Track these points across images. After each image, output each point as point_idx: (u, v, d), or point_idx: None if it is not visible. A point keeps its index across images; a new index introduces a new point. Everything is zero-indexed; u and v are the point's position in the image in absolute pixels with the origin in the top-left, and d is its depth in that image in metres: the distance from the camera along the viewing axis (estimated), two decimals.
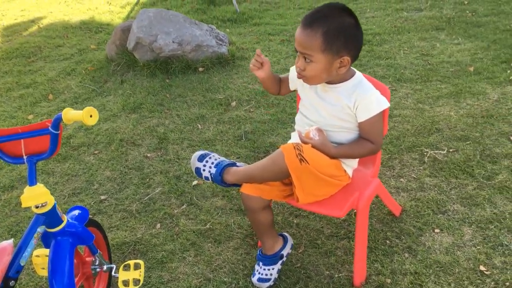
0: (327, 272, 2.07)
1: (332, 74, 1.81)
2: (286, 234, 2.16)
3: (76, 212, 1.96)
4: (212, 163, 1.92)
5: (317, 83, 1.85)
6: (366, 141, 1.89)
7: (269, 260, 2.04)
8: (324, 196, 1.89)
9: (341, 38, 1.73)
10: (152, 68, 3.83)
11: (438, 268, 2.01)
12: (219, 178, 1.89)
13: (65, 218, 1.81)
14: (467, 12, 4.63)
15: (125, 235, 2.36)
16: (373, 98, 1.83)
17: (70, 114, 1.59)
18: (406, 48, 3.96)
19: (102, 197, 2.65)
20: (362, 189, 1.96)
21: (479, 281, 1.93)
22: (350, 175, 1.98)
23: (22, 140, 1.73)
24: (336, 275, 2.05)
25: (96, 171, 2.86)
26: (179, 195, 2.59)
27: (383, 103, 1.85)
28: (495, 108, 2.95)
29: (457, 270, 1.99)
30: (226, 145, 2.96)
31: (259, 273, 2.05)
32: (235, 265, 2.15)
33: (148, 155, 2.96)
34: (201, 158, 1.93)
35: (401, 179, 2.53)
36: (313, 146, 1.82)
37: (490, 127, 2.79)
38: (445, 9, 4.77)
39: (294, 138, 2.03)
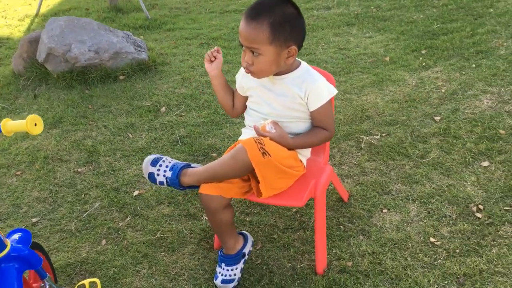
0: (289, 264, 2.06)
1: (280, 65, 1.81)
2: (245, 232, 2.12)
3: (17, 235, 1.77)
4: (167, 166, 1.83)
5: (265, 76, 1.84)
6: (320, 129, 1.91)
7: (232, 259, 1.99)
8: (283, 188, 1.88)
9: (287, 27, 1.73)
10: (68, 80, 3.60)
11: (392, 245, 2.08)
12: (176, 181, 1.80)
13: (8, 242, 1.63)
14: (372, 8, 4.91)
15: (68, 256, 2.17)
16: (323, 86, 1.85)
17: (10, 125, 1.43)
18: (323, 44, 4.10)
19: (34, 220, 2.42)
20: (317, 177, 1.97)
21: (431, 252, 2.03)
22: (305, 165, 2.00)
23: None
24: (298, 266, 2.05)
25: (22, 193, 2.62)
26: (121, 208, 2.45)
27: (332, 90, 1.88)
28: (415, 93, 3.14)
29: (410, 244, 2.07)
30: (162, 151, 2.85)
31: (222, 274, 1.98)
32: (194, 271, 2.06)
33: (79, 170, 2.77)
34: (154, 163, 1.83)
35: (343, 167, 2.60)
36: (271, 139, 1.80)
37: (414, 110, 2.96)
38: (351, 6, 5.01)
39: (247, 134, 2.00)
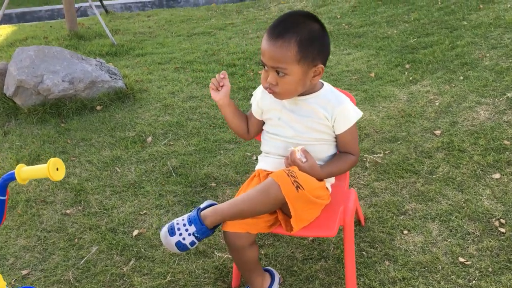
0: None
1: (306, 85, 1.70)
2: (270, 268, 1.96)
3: None
4: (184, 224, 1.63)
5: (290, 97, 1.72)
6: (347, 154, 1.80)
7: None
8: (312, 219, 1.75)
9: (315, 45, 1.62)
10: (41, 113, 3.34)
11: (422, 269, 1.98)
12: (204, 228, 1.63)
13: None
14: (344, 24, 4.92)
15: None
16: (350, 108, 1.75)
17: (27, 171, 1.24)
18: None
19: (24, 272, 2.16)
20: (345, 203, 1.86)
21: (463, 272, 1.94)
22: (330, 192, 1.88)
23: None
24: None
25: (6, 242, 2.35)
26: (122, 250, 2.23)
27: (358, 112, 1.78)
28: (409, 108, 3.11)
29: (440, 266, 1.98)
30: (156, 184, 2.66)
31: None
32: None
33: (67, 211, 2.52)
34: (171, 232, 1.62)
35: (352, 188, 2.50)
36: (300, 169, 1.68)
37: (412, 125, 2.92)
38: None
39: (266, 162, 1.87)
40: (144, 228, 2.37)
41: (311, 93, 1.75)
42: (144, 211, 2.48)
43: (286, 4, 6.07)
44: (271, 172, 1.83)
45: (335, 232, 1.74)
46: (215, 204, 1.72)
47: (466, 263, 1.99)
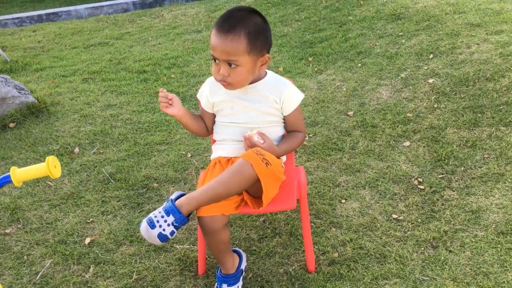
0: (281, 270, 2.09)
1: (255, 73, 1.86)
2: (237, 249, 2.09)
3: None
4: (162, 216, 1.69)
5: (242, 86, 1.87)
6: (297, 132, 2.00)
7: (234, 278, 1.95)
8: (275, 194, 1.92)
9: (261, 36, 1.80)
10: None
11: (364, 229, 2.25)
12: (182, 217, 1.70)
13: None
14: None
15: None
16: (294, 90, 1.95)
17: (23, 173, 1.24)
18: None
19: None
20: (298, 178, 2.05)
21: (399, 226, 2.25)
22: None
23: None
24: (290, 269, 2.09)
25: None
26: (78, 259, 2.20)
27: (301, 93, 1.99)
28: (321, 94, 3.41)
29: (378, 224, 2.27)
30: (96, 192, 2.63)
31: None
32: None
33: (6, 231, 2.40)
34: (152, 225, 1.67)
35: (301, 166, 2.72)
36: None
37: (327, 109, 3.22)
38: None
39: (222, 150, 1.99)
40: (95, 235, 2.35)
41: (258, 80, 1.92)
42: (91, 219, 2.46)
43: (179, 11, 6.18)
44: (231, 158, 1.97)
45: (295, 204, 1.93)
46: (185, 194, 1.81)
47: (399, 218, 2.30)
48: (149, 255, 2.22)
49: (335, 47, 4.04)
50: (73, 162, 2.92)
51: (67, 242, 2.32)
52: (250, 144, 1.84)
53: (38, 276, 2.13)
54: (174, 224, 1.70)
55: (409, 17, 4.12)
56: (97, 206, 2.55)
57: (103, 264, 2.18)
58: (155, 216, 1.70)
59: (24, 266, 2.20)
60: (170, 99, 1.90)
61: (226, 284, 1.94)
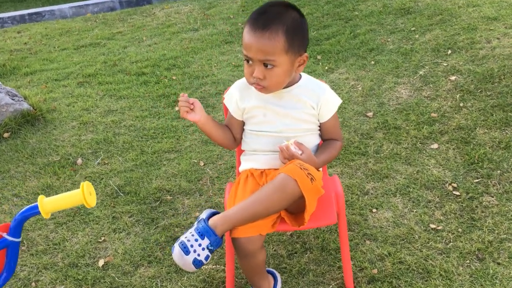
0: None
1: (291, 75, 1.68)
2: (270, 269, 1.91)
3: None
4: (196, 239, 1.49)
5: (278, 90, 1.68)
6: (334, 141, 1.82)
7: None
8: (314, 209, 1.74)
9: (300, 33, 1.61)
10: None
11: (401, 241, 2.09)
12: (218, 239, 1.51)
13: None
14: (239, 24, 4.96)
15: None
16: (332, 94, 1.77)
17: (52, 202, 1.05)
18: (215, 64, 3.98)
19: None
20: (335, 189, 1.88)
21: (439, 237, 2.09)
22: None
23: None
24: None
25: None
26: (93, 284, 2.00)
27: (338, 98, 1.81)
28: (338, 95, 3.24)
29: (416, 236, 2.10)
30: (105, 207, 2.43)
31: None
32: None
33: None
34: (185, 250, 1.47)
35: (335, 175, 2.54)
36: None
37: (345, 110, 3.05)
38: (218, 26, 4.99)
39: (254, 162, 1.80)
40: (109, 256, 2.15)
41: (292, 84, 1.74)
42: (103, 238, 2.25)
43: (172, 9, 5.95)
44: (264, 170, 1.78)
45: (336, 219, 1.76)
46: (216, 212, 1.63)
47: (437, 228, 2.14)
48: (171, 277, 2.03)
49: (344, 44, 3.87)
50: (76, 174, 2.71)
51: (79, 265, 2.11)
52: (287, 155, 1.66)
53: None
54: (209, 247, 1.51)
55: (419, 11, 3.97)
56: (107, 223, 2.34)
57: None
58: (188, 240, 1.50)
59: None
60: (192, 104, 1.71)
61: None
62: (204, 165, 2.71)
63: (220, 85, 3.55)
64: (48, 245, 2.23)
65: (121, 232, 2.29)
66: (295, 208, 1.66)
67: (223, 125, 1.84)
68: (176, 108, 3.29)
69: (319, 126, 1.80)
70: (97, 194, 2.56)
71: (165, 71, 3.90)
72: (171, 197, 2.49)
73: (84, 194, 1.03)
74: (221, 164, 2.71)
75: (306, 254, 2.10)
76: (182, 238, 1.52)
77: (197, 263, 1.49)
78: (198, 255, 1.49)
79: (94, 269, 2.09)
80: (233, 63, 3.95)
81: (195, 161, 2.75)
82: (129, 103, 3.42)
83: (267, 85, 1.63)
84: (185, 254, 1.48)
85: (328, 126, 1.79)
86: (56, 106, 3.44)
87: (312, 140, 1.79)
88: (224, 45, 4.41)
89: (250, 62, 1.61)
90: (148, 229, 2.29)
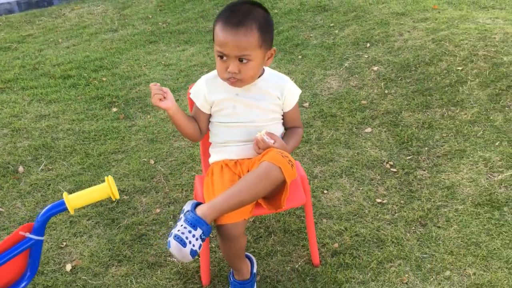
0: (288, 268, 2.06)
1: (261, 69, 1.80)
2: (247, 253, 2.00)
3: None
4: (190, 231, 1.54)
5: (251, 82, 1.79)
6: (297, 128, 1.97)
7: (250, 283, 1.88)
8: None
9: (270, 29, 1.74)
10: None
11: (354, 216, 2.30)
12: (209, 228, 1.59)
13: None
14: (160, 23, 4.93)
15: None
16: (293, 85, 1.91)
17: (79, 197, 1.07)
18: (144, 64, 3.96)
19: None
20: (299, 174, 2.02)
21: (385, 209, 2.33)
22: None
23: None
24: (296, 266, 2.07)
25: None
26: None
27: (298, 88, 1.95)
28: None
29: (366, 210, 2.33)
30: (59, 213, 2.36)
31: None
32: None
33: None
34: (182, 243, 1.52)
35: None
36: None
37: None
38: (138, 26, 4.93)
39: (227, 153, 1.88)
40: (76, 259, 2.11)
41: (258, 77, 1.86)
42: (64, 243, 2.21)
43: (83, 9, 5.74)
44: (238, 160, 1.88)
45: (305, 199, 1.91)
46: (198, 203, 1.70)
47: (383, 202, 2.38)
48: (144, 272, 2.05)
49: None
50: (20, 182, 2.59)
51: (45, 272, 2.05)
52: (262, 146, 1.77)
53: None
54: (202, 237, 1.58)
55: (335, 8, 4.27)
56: (65, 228, 2.29)
57: None
58: (182, 233, 1.56)
59: None
60: (165, 92, 1.76)
61: None
62: (154, 163, 2.73)
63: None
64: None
65: (82, 236, 2.25)
66: (269, 193, 1.78)
67: (191, 117, 1.91)
68: (114, 109, 3.25)
69: (282, 116, 1.95)
70: (47, 201, 2.48)
71: (92, 73, 3.81)
72: (127, 197, 2.49)
73: (111, 187, 1.07)
74: (171, 160, 2.75)
75: (271, 237, 2.24)
76: (175, 231, 1.57)
77: (193, 253, 1.56)
78: (193, 245, 1.56)
79: (62, 274, 2.04)
80: (162, 62, 3.96)
81: (145, 159, 2.76)
82: (62, 107, 3.31)
83: (242, 78, 1.73)
84: (183, 246, 1.54)
85: (291, 115, 1.94)
86: None
87: (278, 129, 1.92)
88: (149, 44, 4.39)
89: (224, 58, 1.70)
90: (110, 230, 2.28)
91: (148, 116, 3.18)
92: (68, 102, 3.38)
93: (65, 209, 1.07)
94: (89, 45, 4.50)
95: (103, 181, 2.58)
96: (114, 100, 3.38)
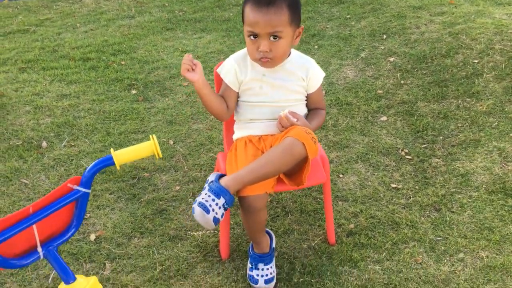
0: (305, 246, 2.12)
1: (290, 48, 1.86)
2: (266, 229, 2.07)
3: None
4: (213, 199, 1.62)
5: (281, 62, 1.85)
6: (320, 110, 2.03)
7: (269, 257, 1.94)
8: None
9: (298, 7, 1.81)
10: None
11: (370, 200, 2.36)
12: (232, 197, 1.66)
13: None
14: (177, 12, 4.99)
15: None
16: (318, 68, 1.98)
17: (124, 154, 1.13)
18: (162, 49, 4.02)
19: None
20: (320, 154, 2.08)
21: (400, 194, 2.38)
22: None
23: (34, 226, 1.12)
24: (313, 244, 2.13)
25: None
26: (90, 257, 2.03)
27: (322, 71, 2.01)
28: None
29: (382, 195, 2.38)
30: None
31: (261, 276, 1.91)
32: (223, 287, 1.92)
33: None
34: (206, 209, 1.59)
35: None
36: None
37: None
38: (155, 13, 4.99)
39: (252, 129, 1.94)
40: (99, 230, 2.18)
41: (284, 59, 1.92)
42: (88, 215, 2.28)
43: None
44: (261, 136, 1.94)
45: (325, 177, 1.97)
46: (222, 174, 1.76)
47: (398, 187, 2.43)
48: (165, 245, 2.12)
49: None
50: (44, 157, 2.66)
51: (70, 241, 2.12)
52: (286, 124, 1.83)
53: (50, 280, 1.94)
54: (225, 206, 1.65)
55: (351, 1, 4.32)
56: (89, 201, 2.36)
57: (119, 259, 2.04)
58: (206, 201, 1.63)
59: (28, 271, 1.98)
60: (195, 65, 1.81)
61: (262, 264, 1.92)
62: (174, 143, 2.79)
63: (172, 69, 3.62)
64: None
65: (105, 209, 2.32)
66: (291, 170, 1.85)
67: (219, 95, 1.97)
68: (133, 92, 3.32)
69: (306, 97, 2.00)
70: (70, 175, 2.55)
71: (111, 57, 3.87)
72: (148, 174, 2.55)
73: (155, 145, 1.13)
74: (190, 142, 2.81)
75: (288, 216, 2.30)
76: (199, 199, 1.64)
77: (215, 221, 1.63)
78: (216, 213, 1.63)
79: (87, 243, 2.11)
80: (180, 48, 4.02)
81: (164, 140, 2.82)
82: (82, 88, 3.37)
83: (273, 56, 1.79)
84: (206, 213, 1.61)
85: (315, 97, 2.00)
86: (3, 92, 3.29)
87: (302, 109, 1.98)
88: (166, 31, 4.45)
89: (255, 38, 1.76)
90: (132, 204, 2.35)
91: (167, 99, 3.24)
92: (88, 83, 3.44)
93: (112, 163, 1.13)
94: (107, 30, 4.57)
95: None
96: (133, 82, 3.45)
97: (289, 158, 1.72)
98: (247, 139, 1.94)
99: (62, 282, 1.19)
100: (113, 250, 2.09)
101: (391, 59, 3.36)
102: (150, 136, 1.15)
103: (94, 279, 1.22)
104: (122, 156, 1.13)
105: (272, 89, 1.90)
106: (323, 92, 2.07)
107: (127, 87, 3.39)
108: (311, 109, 2.03)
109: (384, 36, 3.63)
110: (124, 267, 2.01)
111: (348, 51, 3.59)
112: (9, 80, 3.52)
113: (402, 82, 3.15)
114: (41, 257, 1.17)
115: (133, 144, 2.77)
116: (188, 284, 1.94)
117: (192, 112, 3.07)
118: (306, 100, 2.00)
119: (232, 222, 2.24)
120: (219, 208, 1.64)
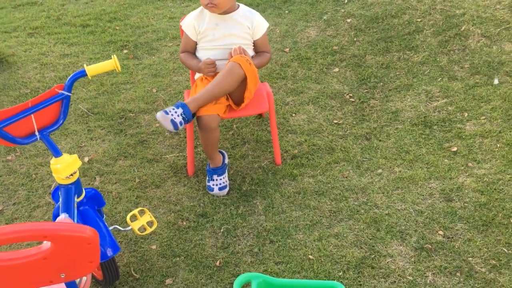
0: (255, 166, 2.65)
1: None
2: (220, 149, 2.59)
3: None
4: (173, 109, 2.17)
5: (225, 8, 2.33)
6: (265, 52, 2.52)
7: (221, 170, 2.47)
8: (252, 96, 2.43)
9: None
10: None
11: (314, 132, 2.86)
12: (190, 111, 2.18)
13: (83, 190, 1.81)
14: None
15: None
16: (261, 19, 2.47)
17: (94, 68, 1.64)
18: (152, 17, 4.51)
19: None
20: (266, 90, 2.58)
21: (340, 128, 2.88)
22: None
23: (32, 115, 1.64)
24: (262, 164, 2.65)
25: None
26: (84, 172, 2.58)
27: (266, 22, 2.50)
28: None
29: (324, 128, 2.88)
30: (79, 124, 2.97)
31: (216, 185, 2.45)
32: (189, 192, 2.46)
33: (8, 158, 2.68)
34: (165, 113, 2.16)
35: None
36: None
37: None
38: None
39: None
40: (92, 153, 2.73)
41: (233, 11, 2.41)
42: (83, 144, 2.82)
43: None
44: (215, 74, 2.45)
45: (267, 107, 2.48)
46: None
47: (339, 122, 2.93)
48: (144, 165, 2.66)
49: None
50: None
51: None
52: (239, 51, 2.32)
53: (52, 187, 2.49)
54: (183, 115, 2.17)
55: None
56: (84, 134, 2.90)
57: (107, 174, 2.59)
58: (168, 110, 2.17)
59: (35, 182, 2.53)
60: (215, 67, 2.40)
61: (216, 175, 2.45)
62: (156, 91, 3.31)
63: (160, 33, 4.12)
64: (38, 151, 2.76)
65: (97, 140, 2.86)
66: (237, 99, 2.36)
67: (192, 54, 2.50)
68: (125, 51, 3.83)
69: (253, 43, 2.50)
70: (70, 115, 3.08)
71: (107, 23, 4.38)
72: (133, 115, 3.08)
73: (115, 61, 1.63)
74: (170, 90, 3.32)
75: (245, 145, 2.81)
76: (164, 109, 2.18)
77: (173, 123, 2.16)
78: (175, 118, 2.16)
79: (82, 164, 2.66)
80: (168, 15, 4.51)
81: (149, 89, 3.34)
82: (81, 49, 3.90)
83: (218, 2, 2.28)
84: (165, 114, 2.15)
85: (260, 42, 2.49)
86: (14, 52, 3.82)
87: (249, 52, 2.48)
88: (157, 1, 4.93)
89: None
90: (119, 137, 2.88)
91: (153, 57, 3.75)
92: (86, 45, 3.96)
93: (85, 74, 1.64)
94: (105, 1, 5.06)
95: (114, 102, 3.18)
96: (125, 44, 3.95)
97: (230, 78, 2.24)
98: (203, 77, 2.46)
99: (53, 157, 1.71)
100: (102, 168, 2.63)
101: (349, 20, 3.82)
102: (112, 55, 1.65)
103: (75, 156, 1.73)
104: (92, 69, 1.64)
105: (223, 36, 2.40)
106: (268, 38, 2.55)
107: (120, 48, 3.90)
108: (258, 52, 2.53)
109: (346, 1, 4.08)
110: (110, 180, 2.55)
111: (314, 14, 4.05)
112: (19, 43, 4.04)
113: (355, 39, 3.62)
114: (38, 139, 1.69)
115: (122, 92, 3.31)
116: (160, 192, 2.48)
117: (174, 67, 3.58)
118: (253, 45, 2.51)
119: (199, 150, 2.76)
120: (178, 116, 2.17)
